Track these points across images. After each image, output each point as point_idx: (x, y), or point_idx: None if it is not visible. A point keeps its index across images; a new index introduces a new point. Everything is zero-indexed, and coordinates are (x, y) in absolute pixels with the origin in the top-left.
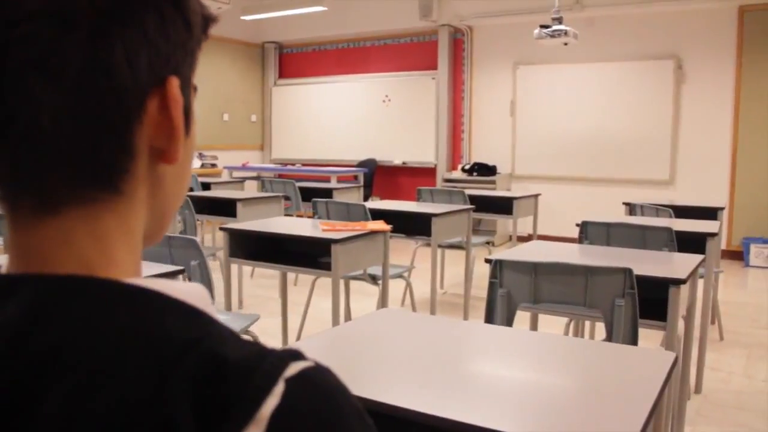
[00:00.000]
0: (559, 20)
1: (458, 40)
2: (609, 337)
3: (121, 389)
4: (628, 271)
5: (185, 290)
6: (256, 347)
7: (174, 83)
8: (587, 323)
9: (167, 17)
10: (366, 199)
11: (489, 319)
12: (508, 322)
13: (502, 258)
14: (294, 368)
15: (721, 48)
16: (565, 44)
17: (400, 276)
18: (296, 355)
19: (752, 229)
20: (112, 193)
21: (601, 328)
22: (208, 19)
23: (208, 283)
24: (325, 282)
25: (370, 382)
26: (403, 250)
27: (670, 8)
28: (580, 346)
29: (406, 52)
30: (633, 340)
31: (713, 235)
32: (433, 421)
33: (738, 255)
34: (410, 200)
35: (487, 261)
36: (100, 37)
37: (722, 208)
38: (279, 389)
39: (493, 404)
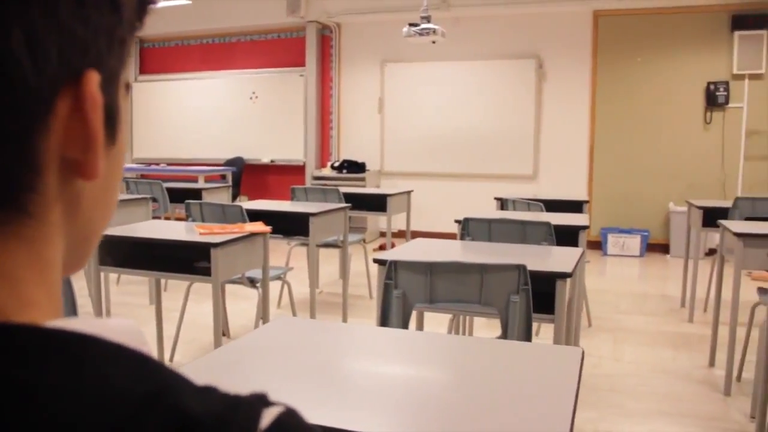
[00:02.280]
0: (428, 19)
1: (326, 37)
2: (504, 334)
3: None
4: (522, 268)
5: (119, 329)
6: (219, 396)
7: (92, 79)
8: (466, 319)
9: None
10: (234, 198)
11: (384, 321)
12: (404, 323)
13: (397, 258)
14: (268, 417)
15: (578, 49)
16: (434, 42)
17: (278, 278)
18: (265, 400)
19: (609, 220)
20: (18, 216)
21: (479, 324)
22: (145, 1)
23: (72, 302)
24: (198, 287)
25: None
26: (275, 250)
27: (532, 10)
28: (488, 346)
29: (274, 49)
30: (527, 336)
31: (585, 227)
32: None
33: (597, 245)
34: (280, 199)
35: (377, 261)
36: None
37: (587, 201)
38: None
39: (411, 412)
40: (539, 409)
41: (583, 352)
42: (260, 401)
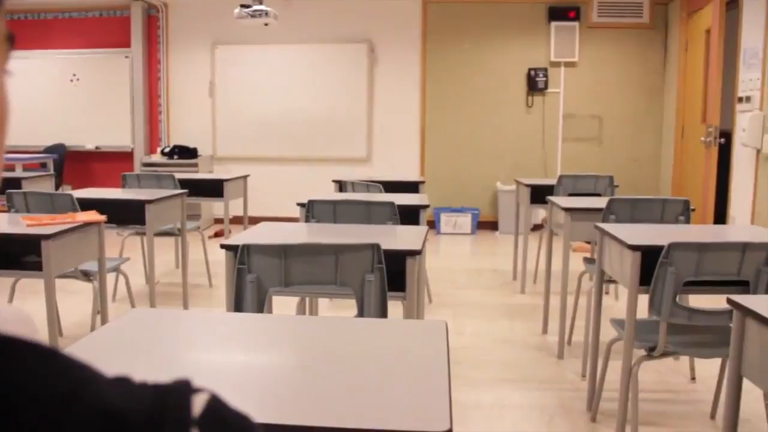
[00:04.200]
0: (260, 0)
1: (153, 17)
2: (360, 313)
3: None
4: (376, 247)
5: (10, 318)
6: (141, 387)
7: None
8: (312, 301)
9: None
10: (57, 188)
11: (238, 308)
12: (259, 308)
13: (250, 242)
14: (197, 405)
15: (408, 34)
16: (266, 25)
17: (114, 269)
18: (190, 387)
19: (441, 200)
20: None
21: (323, 306)
22: None
23: None
24: (23, 283)
25: None
26: (106, 241)
27: None
28: (351, 325)
29: (96, 28)
30: (383, 314)
31: (426, 206)
32: None
33: (430, 224)
34: (108, 187)
35: (226, 247)
36: None
37: (423, 182)
38: None
39: (288, 397)
40: (416, 383)
41: (446, 324)
42: (187, 389)
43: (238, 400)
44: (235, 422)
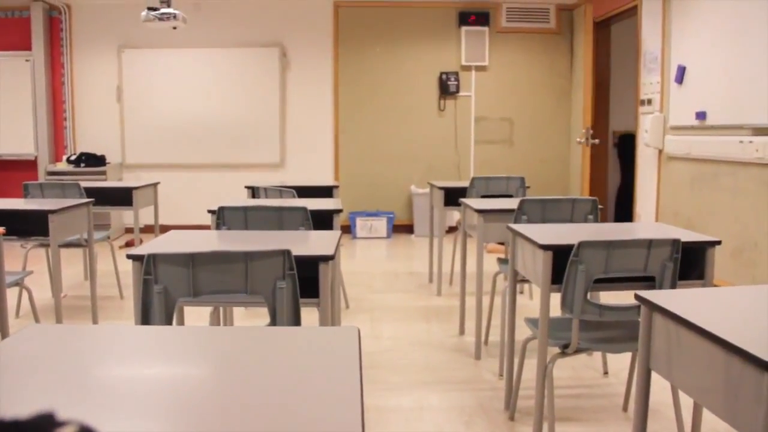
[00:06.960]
0: (168, 3)
1: (55, 19)
2: (273, 321)
3: None
4: (287, 253)
5: None
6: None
7: None
8: (227, 310)
9: None
10: None
11: (145, 320)
12: (168, 320)
13: (156, 252)
14: None
15: (320, 38)
16: (175, 28)
17: (16, 284)
18: (52, 421)
19: (356, 204)
20: None
21: (239, 315)
22: None
23: None
24: None
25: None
26: (8, 254)
27: None
28: (261, 334)
29: None
30: (296, 321)
31: (339, 211)
32: None
33: (346, 228)
34: (11, 197)
35: (132, 257)
36: None
37: (337, 186)
38: None
39: (189, 412)
40: (327, 391)
41: (359, 330)
42: (48, 423)
43: (143, 418)
44: None
